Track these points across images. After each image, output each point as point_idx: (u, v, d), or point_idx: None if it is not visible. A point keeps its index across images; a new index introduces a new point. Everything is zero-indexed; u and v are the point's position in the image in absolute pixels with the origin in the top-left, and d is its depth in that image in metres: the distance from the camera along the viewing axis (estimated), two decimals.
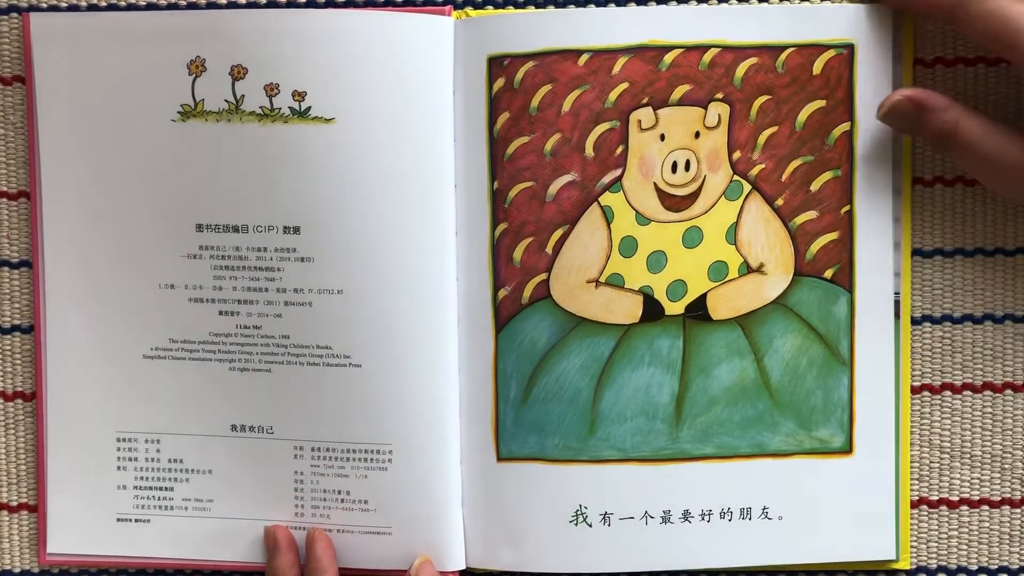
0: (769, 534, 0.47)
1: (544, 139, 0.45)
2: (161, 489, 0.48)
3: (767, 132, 0.46)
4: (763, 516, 0.47)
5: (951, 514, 0.47)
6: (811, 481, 0.47)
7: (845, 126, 0.46)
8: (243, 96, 0.45)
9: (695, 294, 0.46)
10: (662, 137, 0.46)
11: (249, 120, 0.46)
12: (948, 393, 0.47)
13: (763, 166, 0.46)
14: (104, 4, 0.48)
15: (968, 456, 0.47)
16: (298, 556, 0.47)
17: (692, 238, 0.46)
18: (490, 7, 0.47)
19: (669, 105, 0.45)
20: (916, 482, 0.47)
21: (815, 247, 0.46)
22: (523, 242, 0.46)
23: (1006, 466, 0.47)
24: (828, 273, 0.46)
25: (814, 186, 0.46)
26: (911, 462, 0.47)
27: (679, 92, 0.45)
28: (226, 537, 0.48)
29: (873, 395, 0.47)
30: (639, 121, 0.45)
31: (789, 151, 0.46)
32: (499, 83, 0.45)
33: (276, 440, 0.48)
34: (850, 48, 0.45)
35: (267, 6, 0.47)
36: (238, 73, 0.45)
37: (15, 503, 0.49)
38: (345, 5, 0.47)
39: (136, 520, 0.49)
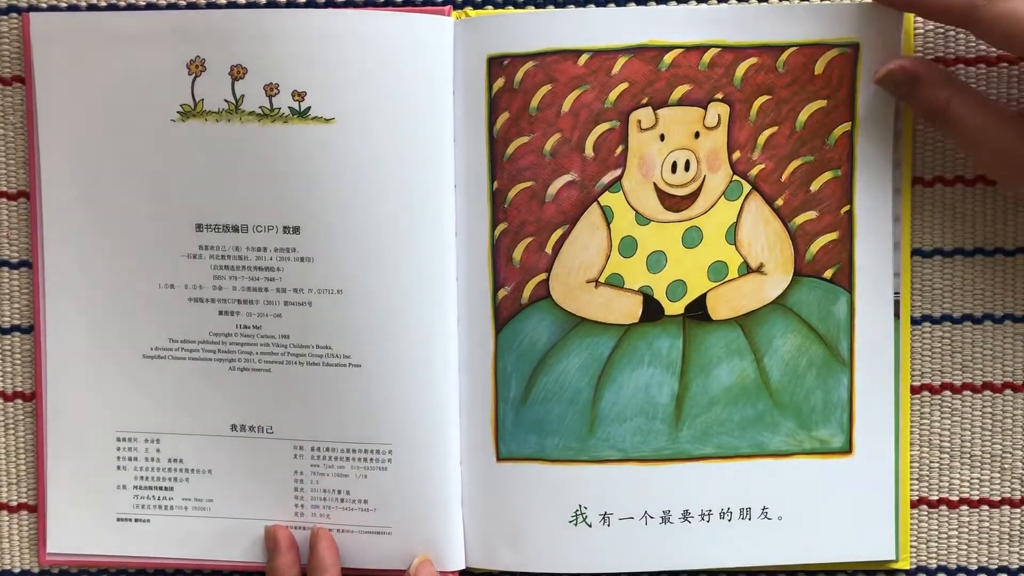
0: (769, 534, 0.47)
1: (544, 139, 0.45)
2: (161, 489, 0.48)
3: (767, 132, 0.45)
4: (763, 516, 0.47)
5: (951, 514, 0.47)
6: (811, 481, 0.47)
7: (846, 126, 0.45)
8: (243, 96, 0.45)
9: (695, 294, 0.46)
10: (662, 137, 0.46)
11: (249, 120, 0.46)
12: (948, 393, 0.47)
13: (763, 166, 0.46)
14: (104, 4, 0.48)
15: (968, 456, 0.47)
16: (299, 556, 0.47)
17: (692, 238, 0.46)
18: (490, 7, 0.47)
19: (669, 105, 0.45)
20: (916, 482, 0.47)
21: (815, 247, 0.46)
22: (523, 242, 0.46)
23: (1006, 466, 0.47)
24: (828, 273, 0.46)
25: (814, 186, 0.46)
26: (911, 462, 0.47)
27: (679, 92, 0.45)
28: (226, 537, 0.48)
29: (873, 395, 0.46)
30: (639, 121, 0.45)
31: (789, 151, 0.46)
32: (499, 83, 0.45)
33: (276, 440, 0.48)
34: (855, 47, 0.45)
35: (267, 6, 0.47)
36: (238, 73, 0.45)
37: (15, 503, 0.49)
38: (345, 5, 0.47)
39: (136, 520, 0.49)
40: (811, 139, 0.46)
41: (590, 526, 0.47)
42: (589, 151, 0.45)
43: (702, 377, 0.46)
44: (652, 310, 0.46)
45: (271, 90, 0.45)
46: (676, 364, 0.46)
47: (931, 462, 0.47)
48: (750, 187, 0.46)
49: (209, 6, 0.47)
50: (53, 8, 0.47)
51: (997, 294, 0.47)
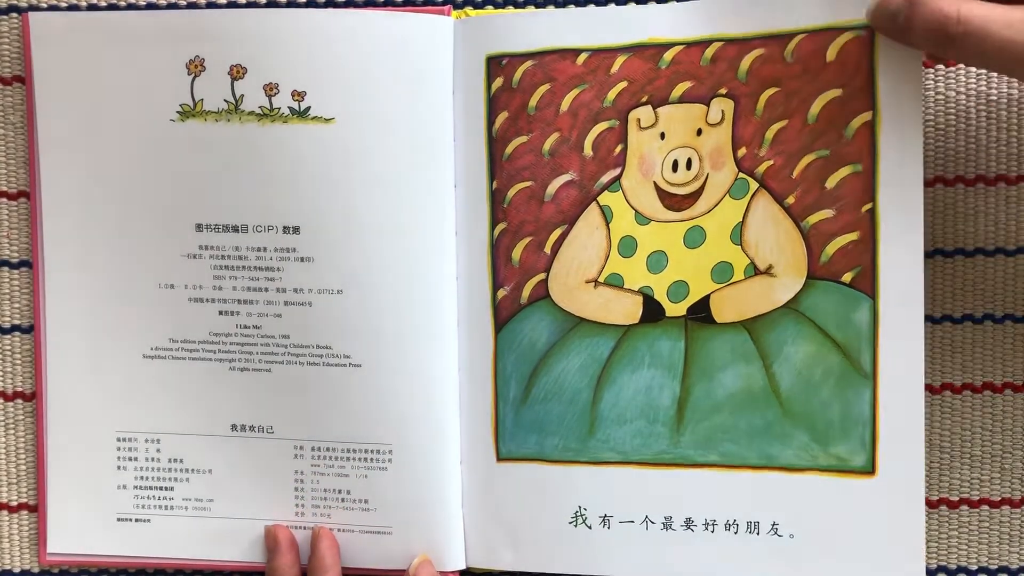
0: (778, 552, 0.45)
1: (543, 138, 0.45)
2: (161, 489, 0.48)
3: (775, 127, 0.44)
4: (772, 532, 0.45)
5: (951, 514, 0.47)
6: (827, 501, 0.44)
7: (866, 116, 0.43)
8: (242, 96, 0.45)
9: (697, 295, 0.45)
10: (662, 135, 0.45)
11: (248, 120, 0.46)
12: (948, 393, 0.47)
13: (771, 162, 0.44)
14: (104, 4, 0.48)
15: (968, 456, 0.47)
16: (298, 556, 0.47)
17: (694, 238, 0.45)
18: (490, 7, 0.47)
19: (669, 103, 0.45)
20: None
21: (831, 248, 0.43)
22: (522, 242, 0.46)
23: (1006, 466, 0.47)
24: (847, 277, 0.43)
25: (830, 183, 0.43)
26: None
27: (680, 89, 0.44)
28: (226, 537, 0.48)
29: (900, 412, 0.43)
30: (638, 120, 0.45)
31: (800, 146, 0.43)
32: (498, 83, 0.45)
33: (276, 440, 0.48)
34: (870, 30, 0.42)
35: (267, 6, 0.47)
36: (237, 73, 0.45)
37: (15, 503, 0.49)
38: (345, 5, 0.47)
39: (136, 520, 0.49)
40: (826, 132, 0.43)
41: (590, 528, 0.46)
42: (588, 150, 0.45)
43: (705, 381, 0.45)
44: (652, 311, 0.45)
45: (271, 90, 0.45)
46: (678, 367, 0.45)
47: (931, 462, 0.47)
48: (757, 185, 0.44)
49: (209, 6, 0.47)
50: (53, 8, 0.47)
51: (998, 294, 0.46)
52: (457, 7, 0.47)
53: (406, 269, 0.46)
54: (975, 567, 0.47)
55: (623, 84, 0.45)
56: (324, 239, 0.46)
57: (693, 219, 0.45)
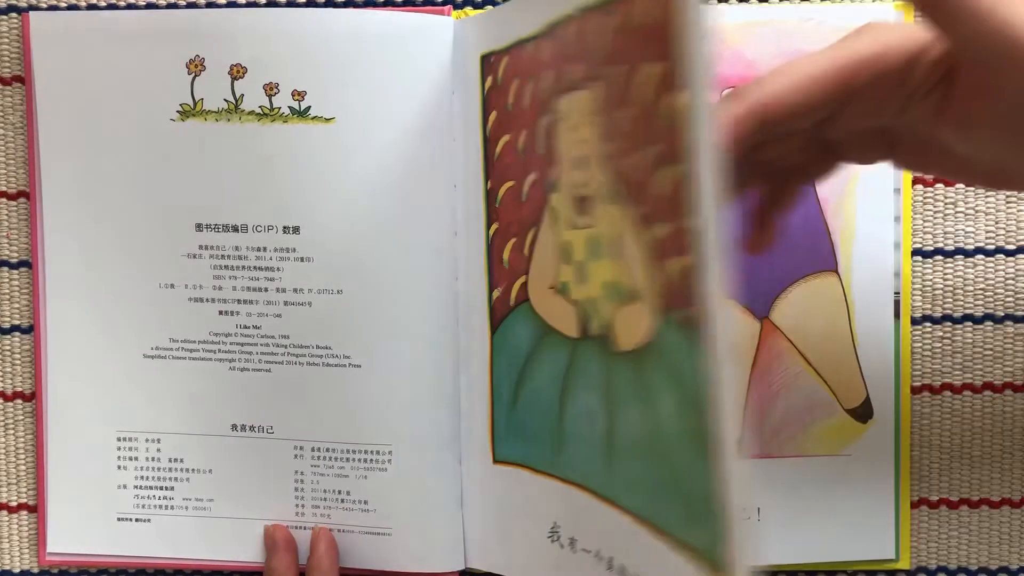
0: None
1: (518, 136, 0.43)
2: (161, 489, 0.48)
3: (618, 116, 0.34)
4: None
5: (951, 514, 0.47)
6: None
7: (676, 95, 0.29)
8: (242, 95, 0.45)
9: (604, 316, 0.37)
10: (573, 128, 0.38)
11: (248, 120, 0.46)
12: (948, 393, 0.47)
13: (624, 160, 0.34)
14: (104, 4, 0.48)
15: (968, 456, 0.47)
16: (296, 556, 0.47)
17: (595, 249, 0.37)
18: (489, 7, 0.47)
19: (572, 90, 0.37)
20: (916, 482, 0.47)
21: (672, 274, 0.31)
22: (509, 242, 0.44)
23: (1006, 466, 0.47)
24: (684, 314, 0.30)
25: (659, 188, 0.31)
26: (911, 462, 0.47)
27: (575, 73, 0.37)
28: (226, 537, 0.48)
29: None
30: (559, 110, 0.39)
31: (634, 141, 0.33)
32: (489, 81, 0.44)
33: (276, 440, 0.48)
34: None
35: (267, 6, 0.47)
36: (237, 72, 0.45)
37: (15, 503, 0.49)
38: (345, 5, 0.47)
39: (136, 520, 0.49)
40: (648, 120, 0.31)
41: (562, 547, 0.42)
42: (541, 147, 0.41)
43: (618, 415, 0.36)
44: (584, 326, 0.39)
45: (271, 89, 0.45)
46: (603, 393, 0.37)
47: (931, 462, 0.47)
48: (622, 188, 0.35)
49: (209, 6, 0.47)
50: (53, 8, 0.48)
51: (998, 294, 0.46)
52: (457, 7, 0.47)
53: (406, 269, 0.46)
54: (975, 567, 0.47)
55: (552, 71, 0.39)
56: (324, 239, 0.46)
57: (590, 227, 0.37)
